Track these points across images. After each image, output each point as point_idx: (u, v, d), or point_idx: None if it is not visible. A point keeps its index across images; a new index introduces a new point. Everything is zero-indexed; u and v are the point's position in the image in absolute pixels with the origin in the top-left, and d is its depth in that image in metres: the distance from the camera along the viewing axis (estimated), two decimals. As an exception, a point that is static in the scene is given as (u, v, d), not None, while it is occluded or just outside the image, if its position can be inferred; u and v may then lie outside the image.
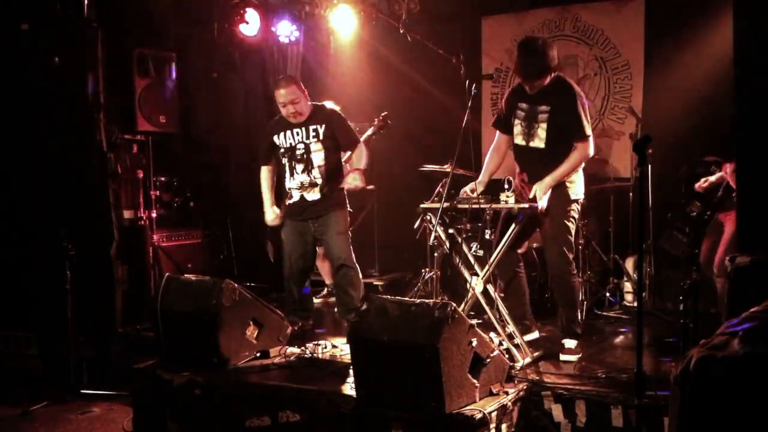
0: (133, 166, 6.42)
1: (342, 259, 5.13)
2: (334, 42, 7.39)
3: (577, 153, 4.45)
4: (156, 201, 6.53)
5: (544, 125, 4.49)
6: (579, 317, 4.76)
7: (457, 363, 3.51)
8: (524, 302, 4.83)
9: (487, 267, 4.38)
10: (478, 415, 3.45)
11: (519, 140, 4.63)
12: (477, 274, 4.40)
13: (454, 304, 3.56)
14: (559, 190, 4.46)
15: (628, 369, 3.96)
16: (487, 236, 4.41)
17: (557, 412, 3.83)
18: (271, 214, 5.36)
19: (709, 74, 6.05)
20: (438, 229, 4.44)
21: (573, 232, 4.59)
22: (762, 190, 3.76)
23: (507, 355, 4.05)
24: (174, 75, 6.56)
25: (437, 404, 3.43)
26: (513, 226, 4.35)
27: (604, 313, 5.73)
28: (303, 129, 5.14)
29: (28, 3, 5.72)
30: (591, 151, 4.52)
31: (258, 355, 4.51)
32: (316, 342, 4.78)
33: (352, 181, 5.08)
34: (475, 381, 3.61)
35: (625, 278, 5.95)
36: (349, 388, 3.88)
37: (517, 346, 4.30)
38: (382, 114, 6.26)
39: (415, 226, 5.51)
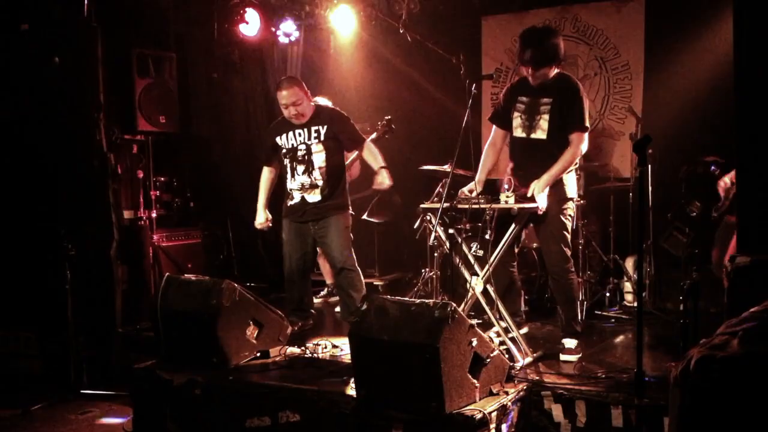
0: (133, 166, 6.42)
1: (342, 263, 5.13)
2: (334, 42, 7.39)
3: (572, 148, 4.48)
4: (156, 201, 6.53)
5: (546, 116, 4.52)
6: (579, 316, 4.77)
7: (457, 363, 3.51)
8: (517, 300, 4.88)
9: (487, 267, 4.38)
10: (478, 415, 3.45)
11: (519, 132, 4.64)
12: (477, 274, 4.40)
13: (454, 304, 3.56)
14: (556, 188, 4.48)
15: (628, 369, 3.96)
16: (487, 236, 4.42)
17: (557, 412, 3.83)
18: (262, 216, 5.37)
19: (709, 74, 6.05)
20: (438, 229, 4.44)
21: (570, 229, 4.62)
22: (762, 190, 3.76)
23: (507, 355, 4.05)
24: (174, 75, 6.57)
25: (437, 404, 3.43)
26: (513, 225, 4.35)
27: (604, 313, 5.73)
28: (305, 130, 5.13)
29: (28, 3, 5.72)
30: (585, 147, 4.55)
31: (258, 355, 4.51)
32: (316, 342, 4.78)
33: (382, 180, 5.08)
34: (475, 381, 3.61)
35: (625, 278, 5.95)
36: (349, 388, 3.88)
37: (517, 346, 4.30)
38: (386, 118, 6.23)
39: (415, 226, 5.53)
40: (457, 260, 4.51)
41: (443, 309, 3.50)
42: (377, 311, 3.70)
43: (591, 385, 3.88)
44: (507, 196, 4.29)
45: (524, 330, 4.82)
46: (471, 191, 4.50)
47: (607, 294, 5.90)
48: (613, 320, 5.56)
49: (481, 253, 4.55)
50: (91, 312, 5.50)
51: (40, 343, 5.62)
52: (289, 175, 5.21)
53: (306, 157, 5.12)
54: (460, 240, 4.57)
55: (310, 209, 5.16)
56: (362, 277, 5.23)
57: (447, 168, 5.18)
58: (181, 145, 6.90)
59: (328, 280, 6.56)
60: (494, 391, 3.72)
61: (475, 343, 3.61)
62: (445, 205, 4.33)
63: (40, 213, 5.70)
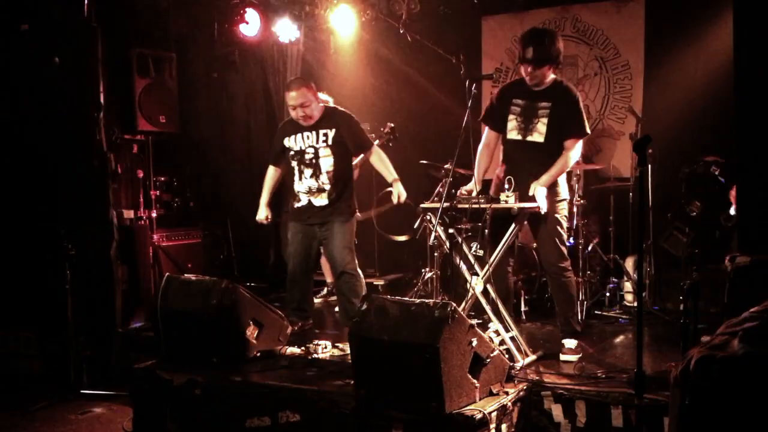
0: (133, 166, 6.42)
1: (344, 267, 5.12)
2: (334, 42, 7.39)
3: (571, 152, 4.54)
4: (156, 201, 6.53)
5: (545, 120, 4.54)
6: (578, 315, 4.77)
7: (457, 363, 3.51)
8: (510, 300, 4.90)
9: (487, 267, 4.38)
10: (478, 415, 3.45)
11: (514, 135, 4.66)
12: (477, 274, 4.40)
13: (454, 304, 3.56)
14: (550, 188, 4.52)
15: (628, 369, 3.96)
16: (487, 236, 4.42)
17: (557, 412, 3.83)
18: (263, 213, 5.34)
19: (709, 74, 6.05)
20: (438, 229, 4.45)
21: (565, 227, 4.67)
22: (762, 190, 3.76)
23: (507, 355, 4.05)
24: (174, 75, 6.57)
25: (437, 404, 3.43)
26: (513, 225, 4.35)
27: (604, 313, 5.73)
28: (313, 133, 5.10)
29: (28, 3, 5.72)
30: (580, 151, 4.65)
31: (258, 355, 4.50)
32: (316, 342, 4.78)
33: (398, 192, 5.07)
34: (475, 381, 3.61)
35: (625, 278, 5.95)
36: (349, 388, 3.88)
37: (517, 346, 4.30)
38: (389, 125, 6.23)
39: (415, 226, 5.53)
40: (458, 260, 4.51)
41: (443, 309, 3.50)
42: (377, 311, 3.70)
43: (591, 385, 3.88)
44: (507, 196, 4.29)
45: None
46: (469, 192, 4.50)
47: (607, 294, 5.91)
48: (613, 320, 5.56)
49: (481, 253, 4.56)
50: (91, 312, 5.50)
51: (40, 343, 5.62)
52: (296, 177, 5.18)
53: (313, 160, 5.09)
54: (460, 240, 4.57)
55: (316, 212, 5.15)
56: (363, 282, 5.23)
57: (447, 167, 5.18)
58: (181, 145, 6.90)
59: (329, 279, 6.56)
60: (494, 391, 3.72)
61: (475, 343, 3.61)
62: (445, 205, 4.33)
63: (40, 213, 5.70)
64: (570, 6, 7.00)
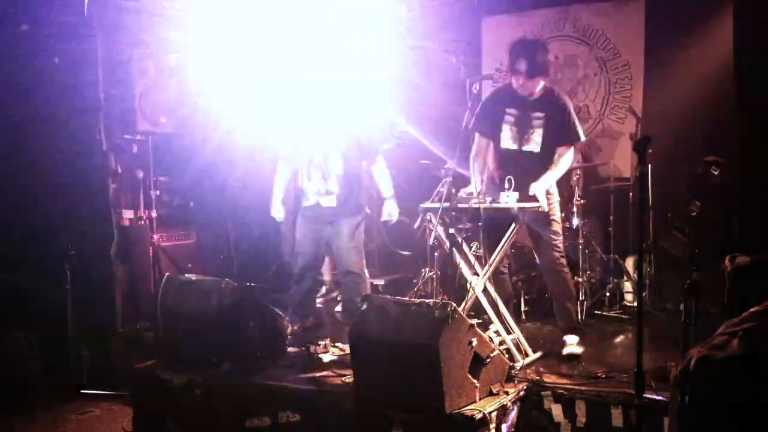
0: (133, 166, 6.41)
1: (350, 266, 5.12)
2: (334, 42, 7.38)
3: (567, 158, 4.60)
4: (156, 201, 6.52)
5: (540, 130, 4.59)
6: (578, 311, 4.78)
7: (457, 363, 3.51)
8: (510, 300, 4.90)
9: (487, 267, 4.39)
10: (478, 415, 3.45)
11: (509, 144, 4.69)
12: (477, 274, 4.40)
13: (454, 304, 3.56)
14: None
15: (628, 369, 3.96)
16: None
17: (557, 412, 3.83)
18: (279, 211, 5.30)
19: (709, 74, 6.04)
20: (438, 229, 4.45)
21: (559, 221, 4.70)
22: (762, 190, 3.77)
23: (507, 355, 4.05)
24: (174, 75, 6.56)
25: (437, 404, 3.43)
26: (513, 225, 4.35)
27: (604, 313, 5.73)
28: (324, 135, 5.05)
29: (28, 3, 5.72)
30: (573, 155, 4.71)
31: (258, 355, 4.50)
32: (316, 342, 4.78)
33: (390, 211, 5.06)
34: (475, 381, 3.61)
35: (625, 278, 5.95)
36: (349, 388, 3.87)
37: (517, 346, 4.30)
38: (399, 129, 6.24)
39: (415, 226, 5.52)
40: (458, 260, 4.51)
41: (443, 309, 3.50)
42: (377, 311, 3.70)
43: (591, 385, 3.88)
44: (507, 196, 4.29)
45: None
46: (470, 194, 4.51)
47: (607, 294, 5.90)
48: (613, 320, 5.55)
49: (481, 252, 4.56)
50: (91, 312, 5.50)
51: (40, 343, 5.61)
52: (305, 178, 5.16)
53: (323, 165, 5.08)
54: (460, 240, 4.57)
55: (324, 212, 5.14)
56: (368, 283, 5.22)
57: (447, 168, 5.17)
58: (181, 145, 6.89)
59: (327, 278, 6.56)
60: (494, 391, 3.72)
61: (475, 343, 3.62)
62: (445, 205, 4.33)
63: (40, 213, 5.70)
64: (570, 6, 6.99)
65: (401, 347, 3.56)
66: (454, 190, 4.42)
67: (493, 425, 3.51)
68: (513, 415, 3.72)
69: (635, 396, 3.41)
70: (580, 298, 5.46)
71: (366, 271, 5.20)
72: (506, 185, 4.34)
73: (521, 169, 4.56)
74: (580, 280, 5.56)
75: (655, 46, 6.60)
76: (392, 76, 7.31)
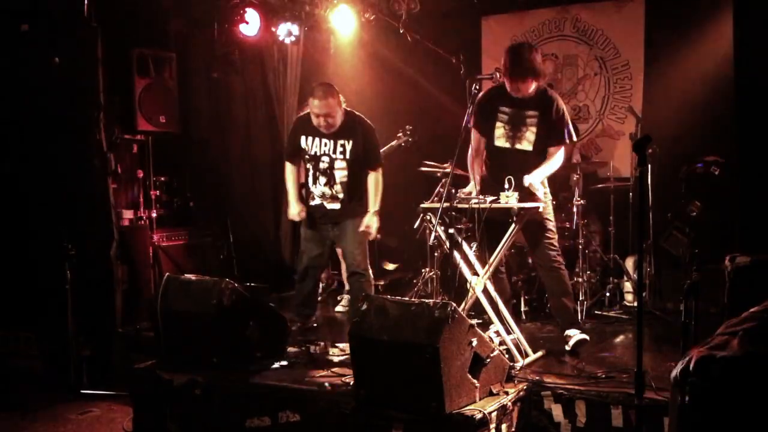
0: (133, 166, 6.41)
1: (356, 266, 5.11)
2: (334, 42, 7.39)
3: (556, 156, 4.63)
4: (156, 201, 6.52)
5: (533, 129, 4.62)
6: (575, 307, 4.78)
7: (457, 363, 3.51)
8: (510, 300, 4.95)
9: (487, 267, 4.39)
10: (478, 415, 3.45)
11: (501, 142, 4.71)
12: (477, 274, 4.40)
13: (454, 304, 3.56)
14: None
15: (628, 369, 3.96)
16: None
17: (557, 412, 3.83)
18: (296, 208, 5.22)
19: (709, 74, 6.05)
20: (438, 229, 4.45)
21: (553, 218, 4.73)
22: (762, 190, 3.77)
23: (507, 355, 4.05)
24: (174, 75, 6.56)
25: (437, 404, 3.43)
26: (513, 225, 4.36)
27: (604, 313, 5.73)
28: (331, 141, 5.01)
29: (28, 3, 5.72)
30: (563, 155, 4.75)
31: (259, 355, 4.50)
32: (316, 342, 4.78)
33: (370, 225, 4.99)
34: (475, 381, 3.61)
35: (625, 278, 5.95)
36: (349, 388, 3.88)
37: (517, 346, 4.30)
38: (408, 128, 6.22)
39: (415, 226, 5.52)
40: (458, 260, 4.51)
41: (443, 309, 3.50)
42: (377, 311, 3.70)
43: (591, 385, 3.88)
44: (507, 196, 4.30)
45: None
46: (469, 193, 4.51)
47: (607, 294, 5.90)
48: (613, 320, 5.55)
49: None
50: (91, 312, 5.50)
51: (40, 343, 5.62)
52: (310, 180, 5.14)
53: (328, 170, 5.05)
54: (460, 240, 4.57)
55: (328, 213, 5.14)
56: (373, 283, 5.23)
57: (447, 168, 5.18)
58: (181, 145, 6.89)
59: (324, 275, 6.56)
60: (494, 391, 3.72)
61: (475, 343, 3.62)
62: (445, 205, 4.33)
63: (40, 213, 5.70)
64: (570, 6, 7.00)
65: (401, 347, 3.56)
66: (454, 190, 4.42)
67: (493, 425, 3.51)
68: (513, 415, 3.72)
69: (635, 396, 3.41)
70: (580, 298, 5.46)
71: (370, 271, 5.20)
72: (506, 185, 4.35)
73: (513, 167, 4.57)
74: (580, 280, 5.56)
75: (654, 46, 6.61)
76: (393, 76, 7.36)
